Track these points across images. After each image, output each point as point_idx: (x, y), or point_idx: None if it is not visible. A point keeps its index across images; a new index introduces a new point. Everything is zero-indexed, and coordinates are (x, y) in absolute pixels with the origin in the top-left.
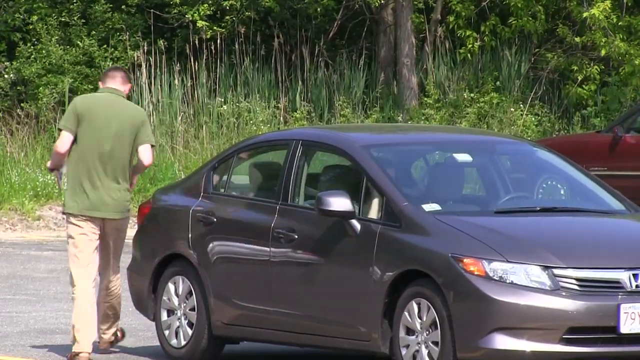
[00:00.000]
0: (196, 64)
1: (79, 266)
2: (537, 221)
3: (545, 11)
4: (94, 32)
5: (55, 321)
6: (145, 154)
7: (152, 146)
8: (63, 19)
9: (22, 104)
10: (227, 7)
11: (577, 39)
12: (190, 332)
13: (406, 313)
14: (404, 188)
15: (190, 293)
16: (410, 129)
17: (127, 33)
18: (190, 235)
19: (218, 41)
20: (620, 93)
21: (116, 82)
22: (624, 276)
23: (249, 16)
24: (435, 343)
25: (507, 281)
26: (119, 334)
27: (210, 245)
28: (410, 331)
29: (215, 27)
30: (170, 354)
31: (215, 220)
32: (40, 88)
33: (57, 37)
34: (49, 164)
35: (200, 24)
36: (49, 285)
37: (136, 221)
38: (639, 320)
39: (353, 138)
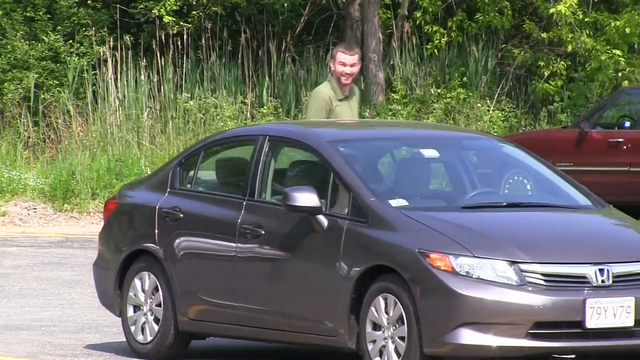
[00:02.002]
0: (162, 59)
1: None
2: (504, 216)
3: (512, 7)
4: (59, 28)
5: (20, 317)
6: None
7: None
8: (28, 14)
9: None
10: (194, 3)
11: (544, 35)
12: (156, 327)
13: (373, 308)
14: (371, 183)
15: (156, 289)
16: (377, 124)
17: (93, 28)
18: (156, 231)
19: (184, 36)
20: (587, 89)
21: None
22: (590, 271)
23: (215, 11)
24: (402, 338)
25: (474, 276)
26: None
27: (177, 241)
28: (376, 326)
29: (181, 23)
30: (136, 350)
31: (181, 216)
32: (5, 83)
33: (22, 32)
34: None
35: (166, 19)
36: (14, 281)
37: (102, 217)
38: (604, 315)
39: (320, 134)
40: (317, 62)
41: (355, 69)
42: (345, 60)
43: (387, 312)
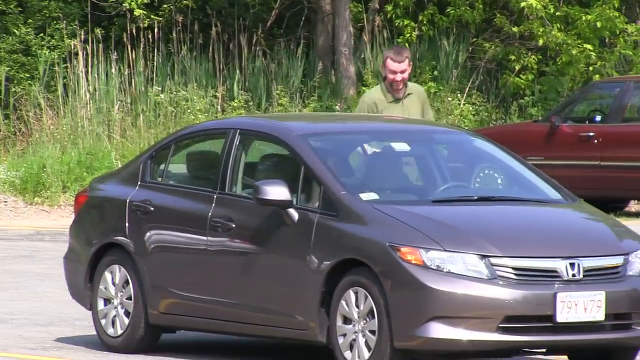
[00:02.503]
0: (133, 52)
1: None
2: (475, 210)
3: (483, 1)
4: (30, 21)
5: None
6: None
7: None
8: None
9: None
10: None
11: (515, 29)
12: (126, 321)
13: (343, 302)
14: (342, 177)
15: (127, 282)
16: (348, 118)
17: (64, 21)
18: (127, 224)
19: (155, 30)
20: (558, 83)
21: None
22: (560, 265)
23: (186, 5)
24: (373, 332)
25: (445, 270)
26: None
27: (147, 234)
28: (347, 320)
29: (152, 16)
30: (107, 343)
31: (152, 209)
32: None
33: None
34: None
35: (137, 12)
36: None
37: (73, 210)
38: (575, 309)
39: (291, 127)
40: (288, 55)
41: (406, 74)
42: (395, 68)
43: (357, 306)
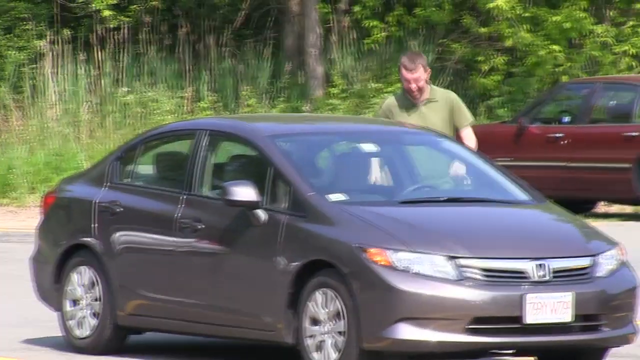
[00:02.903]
0: (101, 53)
1: None
2: (443, 211)
3: (451, 1)
4: None
5: None
6: None
7: None
8: None
9: None
10: None
11: (483, 30)
12: (94, 322)
13: (311, 303)
14: (310, 178)
15: (94, 283)
16: (316, 119)
17: (32, 22)
18: (94, 225)
19: (123, 30)
20: (526, 84)
21: None
22: (528, 266)
23: (154, 5)
24: (341, 333)
25: (412, 271)
26: None
27: (115, 235)
28: (315, 321)
29: (120, 17)
30: (74, 345)
31: (120, 210)
32: None
33: None
34: None
35: (105, 13)
36: None
37: (41, 211)
38: (543, 310)
39: (259, 128)
40: (256, 56)
41: (422, 83)
42: (408, 77)
43: (325, 307)
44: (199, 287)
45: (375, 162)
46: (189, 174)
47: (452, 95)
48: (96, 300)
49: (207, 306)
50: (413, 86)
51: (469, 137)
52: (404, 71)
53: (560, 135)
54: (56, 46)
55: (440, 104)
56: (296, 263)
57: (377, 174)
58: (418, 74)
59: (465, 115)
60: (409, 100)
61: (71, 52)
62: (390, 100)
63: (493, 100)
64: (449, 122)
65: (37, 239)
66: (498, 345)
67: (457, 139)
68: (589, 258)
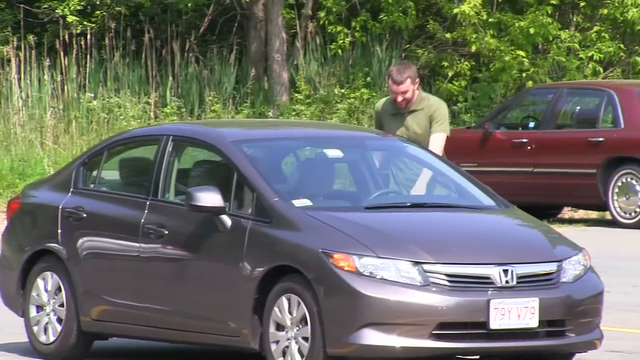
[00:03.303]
0: (66, 59)
1: None
2: (408, 217)
3: (416, 7)
4: None
5: None
6: None
7: None
8: None
9: None
10: (98, 2)
11: (448, 35)
12: (59, 328)
13: (276, 309)
14: (275, 183)
15: (59, 289)
16: (280, 124)
17: None
18: (59, 231)
19: (88, 36)
20: (491, 89)
21: None
22: (494, 272)
23: (119, 11)
24: (306, 339)
25: (378, 277)
26: None
27: (80, 240)
28: (280, 327)
29: (85, 22)
30: (39, 350)
31: (85, 215)
32: None
33: None
34: None
35: (70, 18)
36: None
37: (5, 217)
38: (508, 316)
39: (224, 133)
40: (221, 62)
41: (409, 95)
42: (395, 90)
43: (290, 313)
44: (164, 293)
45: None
46: (154, 180)
47: (435, 103)
48: (61, 306)
49: (172, 312)
50: (399, 98)
51: (433, 142)
52: (391, 83)
53: (526, 140)
54: (21, 52)
55: (423, 112)
56: (261, 268)
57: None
58: (405, 86)
59: (439, 124)
60: (395, 108)
61: (36, 57)
62: (382, 104)
63: (458, 106)
64: (428, 131)
65: (2, 245)
66: (463, 350)
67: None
68: (554, 263)
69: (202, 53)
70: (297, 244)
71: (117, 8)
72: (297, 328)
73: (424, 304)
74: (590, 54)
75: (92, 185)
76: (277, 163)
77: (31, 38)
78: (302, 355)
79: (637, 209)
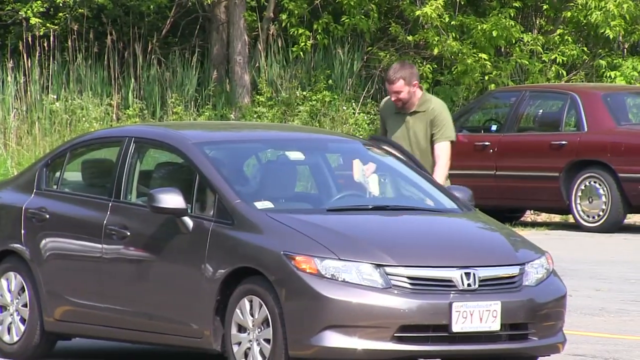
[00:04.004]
0: (29, 60)
1: None
2: (370, 219)
3: (378, 9)
4: None
5: None
6: None
7: None
8: None
9: None
10: (60, 4)
11: (410, 38)
12: (22, 328)
13: (238, 310)
14: (236, 185)
15: (22, 289)
16: (242, 126)
17: None
18: (22, 232)
19: (51, 38)
20: (453, 92)
21: None
22: (456, 275)
23: (82, 13)
24: (267, 340)
25: (339, 279)
26: None
27: (43, 241)
28: (242, 328)
29: (48, 24)
30: (3, 350)
31: (47, 216)
32: None
33: None
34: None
35: (33, 20)
36: None
37: None
38: (470, 319)
39: (185, 135)
40: (183, 64)
41: (404, 95)
42: (389, 89)
43: (252, 314)
44: (127, 294)
45: (374, 180)
46: (116, 181)
47: (438, 107)
48: (25, 306)
49: (135, 313)
50: (393, 98)
51: (438, 153)
52: (387, 83)
53: (488, 143)
54: None
55: (425, 115)
56: (223, 270)
57: (375, 189)
58: (397, 87)
59: (441, 131)
60: (397, 107)
61: None
62: (385, 103)
63: None
64: (429, 132)
65: None
66: (425, 353)
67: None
68: (516, 267)
69: (165, 55)
70: (259, 246)
71: (79, 10)
72: (259, 330)
73: (386, 307)
74: (553, 57)
75: (55, 187)
76: (239, 165)
77: None
78: (263, 357)
79: (600, 213)
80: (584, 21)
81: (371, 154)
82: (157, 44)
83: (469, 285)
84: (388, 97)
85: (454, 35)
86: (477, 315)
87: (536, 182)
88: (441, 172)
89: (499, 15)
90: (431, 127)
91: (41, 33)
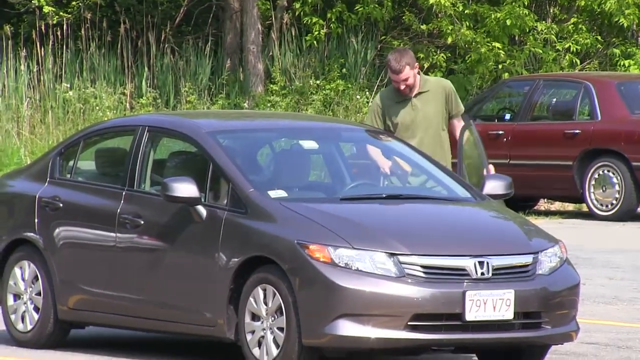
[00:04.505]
0: (42, 49)
1: None
2: (383, 208)
3: None
4: None
5: None
6: None
7: None
8: None
9: None
10: None
11: (424, 27)
12: (36, 316)
13: (252, 299)
14: (250, 174)
15: (36, 278)
16: (256, 115)
17: None
18: (36, 221)
19: (64, 27)
20: (467, 81)
21: None
22: (469, 263)
23: (95, 2)
24: (281, 329)
25: (353, 268)
26: None
27: (57, 230)
28: (255, 317)
29: (61, 13)
30: (17, 339)
31: (61, 205)
32: None
33: None
34: None
35: (46, 9)
36: None
37: None
38: (484, 307)
39: (199, 124)
40: (196, 53)
41: (410, 81)
42: (395, 79)
43: (265, 303)
44: (140, 283)
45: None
46: (130, 170)
47: (446, 83)
48: (38, 294)
49: (148, 301)
50: (402, 87)
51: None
52: (391, 73)
53: (502, 132)
54: None
55: (432, 94)
56: (237, 259)
57: (384, 164)
58: (405, 74)
59: (458, 104)
60: (400, 95)
61: (12, 48)
62: (384, 94)
63: None
64: (443, 112)
65: None
66: (438, 342)
67: (450, 127)
68: (530, 256)
69: (178, 44)
70: (273, 235)
71: None
72: (273, 318)
73: (399, 295)
74: (567, 46)
75: (68, 175)
76: (252, 154)
77: (7, 28)
78: (277, 346)
79: (614, 201)
80: (598, 10)
81: (384, 143)
82: (170, 33)
83: (482, 274)
84: (384, 91)
85: (467, 24)
86: (491, 304)
87: (550, 170)
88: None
89: (513, 4)
90: (447, 103)
91: (54, 22)
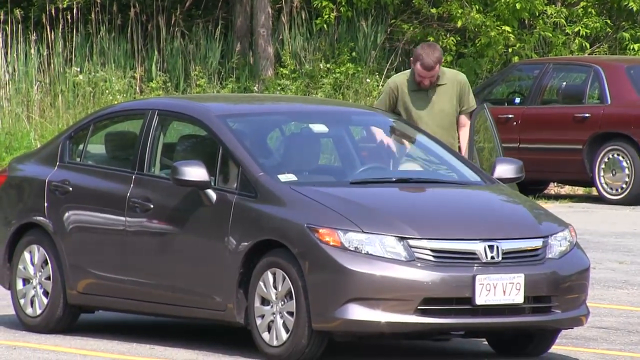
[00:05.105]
0: (52, 33)
1: None
2: (393, 192)
3: None
4: None
5: None
6: None
7: None
8: None
9: None
10: None
11: (433, 10)
12: (45, 301)
13: (261, 283)
14: (260, 158)
15: (45, 262)
16: (266, 99)
17: None
18: (46, 205)
19: (74, 10)
20: (476, 65)
21: None
22: (479, 247)
23: None
24: (291, 313)
25: (363, 252)
26: None
27: (66, 214)
28: (265, 301)
29: None
30: (26, 323)
31: (71, 189)
32: None
33: None
34: None
35: None
36: None
37: None
38: (494, 291)
39: (209, 108)
40: (206, 36)
41: (435, 77)
42: (424, 75)
43: (275, 287)
44: (150, 267)
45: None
46: (140, 154)
47: (462, 77)
48: (47, 279)
49: (158, 285)
50: (427, 82)
51: (468, 120)
52: (420, 68)
53: (511, 116)
54: (7, 26)
55: (448, 87)
56: (246, 243)
57: (387, 139)
58: (435, 71)
59: (470, 99)
60: (417, 85)
61: (22, 32)
62: (400, 79)
63: None
64: (456, 106)
65: None
66: (448, 326)
67: (458, 122)
68: (540, 239)
69: (188, 28)
70: (283, 219)
71: None
72: (282, 302)
73: (409, 279)
74: (576, 30)
75: (78, 159)
76: (262, 138)
77: (18, 12)
78: (287, 330)
79: (624, 185)
80: None
81: (394, 126)
82: (180, 17)
83: (492, 257)
84: (402, 75)
85: (477, 7)
86: (501, 288)
87: (559, 154)
88: (467, 135)
89: None
90: (460, 97)
91: (64, 5)
